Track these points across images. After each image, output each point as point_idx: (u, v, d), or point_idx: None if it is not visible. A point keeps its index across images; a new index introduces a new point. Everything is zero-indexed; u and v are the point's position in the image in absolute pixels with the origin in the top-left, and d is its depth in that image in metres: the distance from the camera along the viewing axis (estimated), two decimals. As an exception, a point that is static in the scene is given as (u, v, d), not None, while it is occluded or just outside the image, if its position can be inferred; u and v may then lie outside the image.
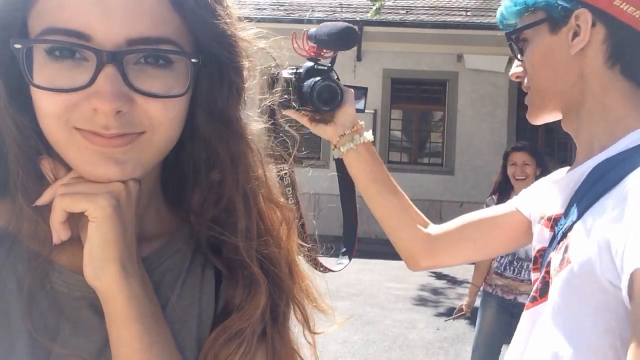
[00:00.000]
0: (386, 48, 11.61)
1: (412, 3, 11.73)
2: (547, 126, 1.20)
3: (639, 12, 0.84)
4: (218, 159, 0.67)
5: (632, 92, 0.87)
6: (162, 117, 0.59)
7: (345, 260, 1.27)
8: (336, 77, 1.18)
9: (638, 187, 0.75)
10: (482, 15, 11.58)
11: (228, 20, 0.63)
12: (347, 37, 1.13)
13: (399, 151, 12.23)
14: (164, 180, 0.71)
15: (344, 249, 1.30)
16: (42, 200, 0.60)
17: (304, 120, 1.20)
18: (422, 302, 6.71)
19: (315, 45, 1.15)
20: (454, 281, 7.99)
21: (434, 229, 1.25)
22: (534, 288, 0.94)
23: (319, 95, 1.13)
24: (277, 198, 0.73)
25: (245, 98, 0.69)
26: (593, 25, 0.86)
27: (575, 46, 0.87)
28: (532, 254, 1.02)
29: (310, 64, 1.16)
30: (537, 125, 1.19)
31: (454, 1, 12.27)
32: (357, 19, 11.53)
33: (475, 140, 11.46)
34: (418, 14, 11.63)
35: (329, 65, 1.17)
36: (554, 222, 0.94)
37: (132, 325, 0.58)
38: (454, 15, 11.75)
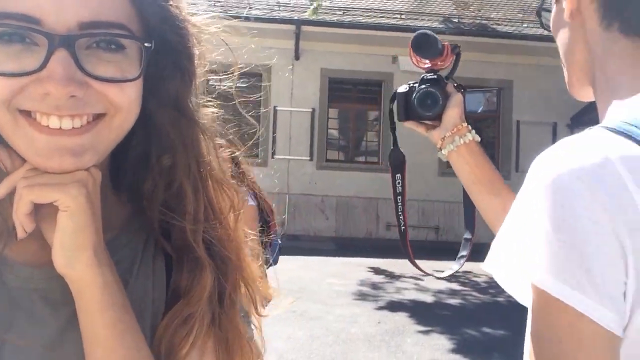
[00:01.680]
0: (324, 48, 11.74)
1: (349, 4, 11.92)
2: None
3: None
4: (170, 144, 0.67)
5: (637, 51, 0.71)
6: (120, 101, 0.59)
7: (455, 265, 1.29)
8: (455, 84, 1.23)
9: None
10: (416, 19, 11.95)
11: (179, 5, 0.64)
12: (424, 43, 1.19)
13: (337, 150, 12.40)
14: (112, 169, 0.71)
15: (461, 254, 1.31)
16: None
17: (421, 129, 1.25)
18: (362, 297, 6.86)
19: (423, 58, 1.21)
20: (392, 276, 8.22)
21: None
22: None
23: (420, 102, 1.20)
24: (227, 182, 0.74)
25: (197, 83, 0.70)
26: None
27: (566, 11, 0.77)
28: None
29: (422, 76, 1.22)
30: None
31: (389, 4, 12.57)
32: (295, 18, 11.57)
33: (410, 140, 11.66)
34: (355, 15, 11.83)
35: (438, 74, 1.22)
36: None
37: (107, 312, 0.59)
38: (388, 17, 12.04)
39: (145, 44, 0.59)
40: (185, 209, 0.67)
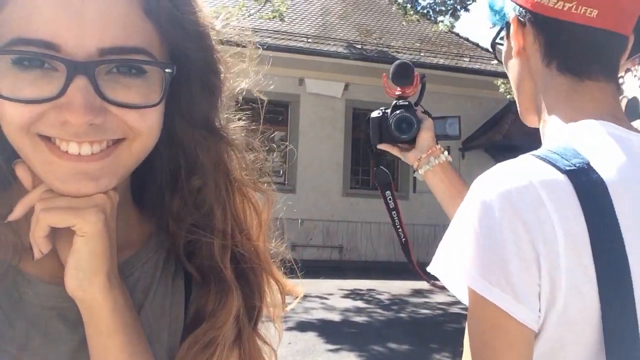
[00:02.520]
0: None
1: (257, 25, 12.01)
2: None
3: (560, 2, 0.78)
4: (199, 165, 0.67)
5: (570, 88, 0.81)
6: (140, 127, 0.58)
7: None
8: (423, 110, 1.33)
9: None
10: (322, 43, 12.31)
11: (203, 20, 0.62)
12: (401, 72, 1.30)
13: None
14: (134, 188, 0.70)
15: None
16: (15, 216, 0.58)
17: (395, 151, 1.33)
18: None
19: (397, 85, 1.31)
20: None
21: None
22: None
23: (396, 126, 1.29)
24: (252, 188, 0.73)
25: (223, 98, 0.69)
26: (523, 26, 0.84)
27: (514, 49, 0.86)
28: None
29: (395, 102, 1.33)
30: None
31: (296, 27, 12.84)
32: (202, 36, 11.47)
33: (315, 160, 12.01)
34: (263, 36, 11.94)
35: (409, 101, 1.33)
36: None
37: (117, 335, 0.59)
38: (296, 40, 12.29)
39: (167, 70, 0.58)
40: (214, 227, 0.67)
